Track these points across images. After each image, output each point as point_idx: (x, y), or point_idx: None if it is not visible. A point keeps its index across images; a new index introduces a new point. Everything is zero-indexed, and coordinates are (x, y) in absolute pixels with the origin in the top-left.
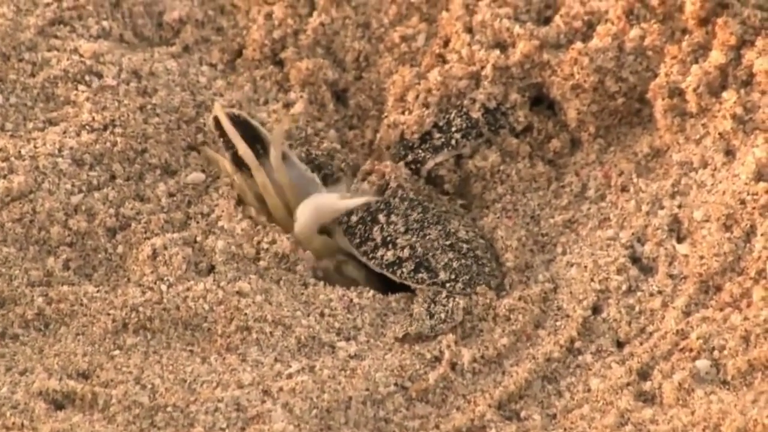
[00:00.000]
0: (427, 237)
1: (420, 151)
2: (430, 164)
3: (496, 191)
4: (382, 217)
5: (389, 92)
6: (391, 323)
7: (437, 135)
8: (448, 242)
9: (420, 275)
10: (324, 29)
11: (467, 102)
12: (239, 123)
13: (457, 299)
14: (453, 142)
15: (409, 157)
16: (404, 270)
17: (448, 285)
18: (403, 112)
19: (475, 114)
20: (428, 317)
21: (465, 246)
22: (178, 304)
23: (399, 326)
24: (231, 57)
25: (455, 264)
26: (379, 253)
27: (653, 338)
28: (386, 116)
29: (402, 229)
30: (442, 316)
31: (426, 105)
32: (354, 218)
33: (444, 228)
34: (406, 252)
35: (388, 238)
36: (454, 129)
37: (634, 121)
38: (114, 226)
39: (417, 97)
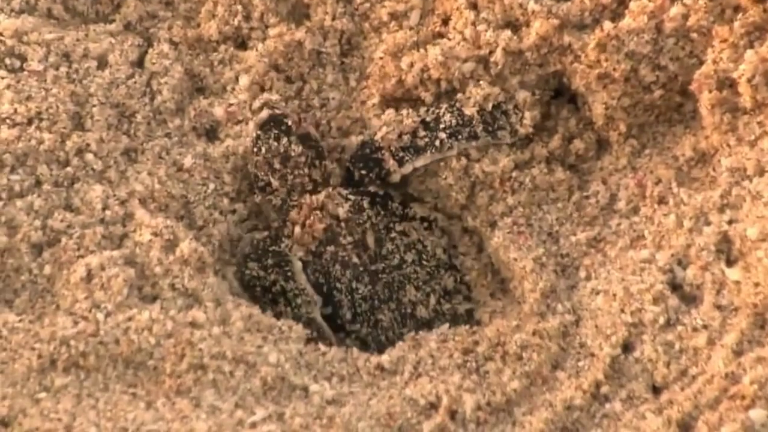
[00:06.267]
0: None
1: (401, 152)
2: (408, 168)
3: (506, 203)
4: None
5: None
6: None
7: (422, 133)
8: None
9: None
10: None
11: (460, 96)
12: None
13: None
14: (437, 142)
15: (374, 170)
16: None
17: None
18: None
19: (469, 110)
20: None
21: (386, 309)
22: (117, 337)
23: None
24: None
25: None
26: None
27: (697, 383)
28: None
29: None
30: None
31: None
32: (311, 276)
33: (389, 288)
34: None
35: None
36: (442, 126)
37: (674, 119)
38: (40, 241)
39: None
